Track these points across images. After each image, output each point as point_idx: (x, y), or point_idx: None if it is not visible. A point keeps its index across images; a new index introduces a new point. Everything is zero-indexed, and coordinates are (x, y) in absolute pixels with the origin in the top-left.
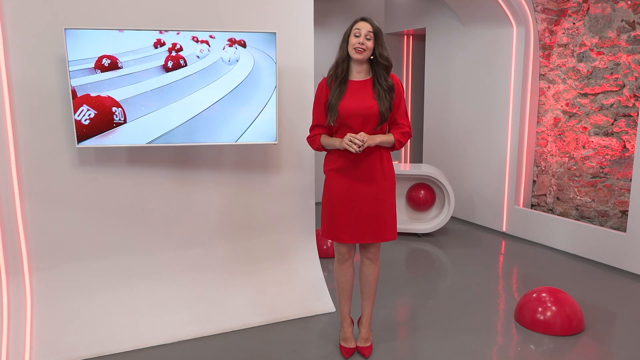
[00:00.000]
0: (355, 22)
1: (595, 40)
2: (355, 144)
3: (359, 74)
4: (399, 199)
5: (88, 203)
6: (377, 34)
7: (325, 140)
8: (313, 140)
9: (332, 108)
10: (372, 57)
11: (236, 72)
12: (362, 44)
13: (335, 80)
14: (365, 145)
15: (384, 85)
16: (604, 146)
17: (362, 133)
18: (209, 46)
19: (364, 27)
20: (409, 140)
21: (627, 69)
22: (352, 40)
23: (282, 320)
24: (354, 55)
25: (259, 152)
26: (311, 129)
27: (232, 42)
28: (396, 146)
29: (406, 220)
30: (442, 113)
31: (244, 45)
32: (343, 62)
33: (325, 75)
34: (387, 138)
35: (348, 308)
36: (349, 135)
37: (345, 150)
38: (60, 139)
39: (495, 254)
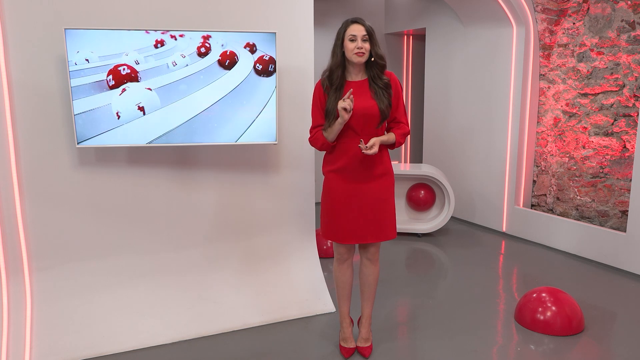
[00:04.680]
0: (347, 25)
1: (595, 40)
2: (349, 105)
3: (356, 75)
4: (399, 199)
5: (88, 203)
6: (371, 35)
7: (326, 132)
8: (316, 138)
9: (330, 114)
10: (372, 60)
11: (236, 72)
12: (361, 47)
13: (332, 86)
14: (374, 151)
15: (380, 83)
16: (604, 146)
17: (371, 141)
18: (209, 46)
19: (359, 31)
20: (407, 139)
21: (627, 69)
22: (350, 45)
23: (282, 320)
24: (355, 59)
25: (259, 152)
26: (310, 131)
27: (227, 54)
28: (395, 145)
29: (406, 220)
30: (442, 113)
31: (252, 50)
32: (337, 69)
33: (321, 79)
34: (386, 138)
35: (347, 308)
36: (340, 103)
37: (344, 150)
38: (60, 139)
39: (495, 254)
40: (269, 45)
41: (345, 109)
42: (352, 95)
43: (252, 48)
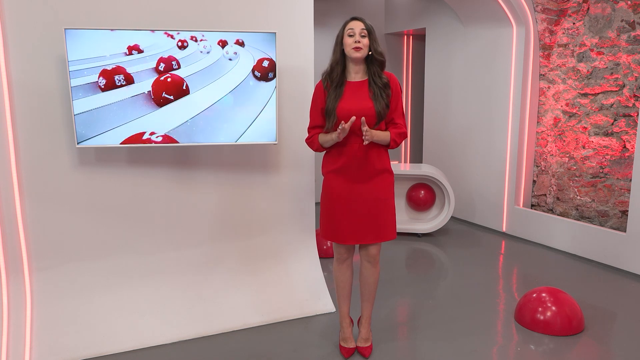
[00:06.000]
0: (347, 22)
1: (595, 40)
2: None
3: (356, 74)
4: (399, 199)
5: (88, 203)
6: (370, 31)
7: (323, 137)
8: (312, 142)
9: (330, 113)
10: (370, 53)
11: (236, 72)
12: (359, 42)
13: (332, 84)
14: (368, 138)
15: (379, 83)
16: (604, 146)
17: (368, 131)
18: (210, 46)
19: (357, 26)
20: (405, 140)
21: (627, 69)
22: (348, 40)
23: (282, 320)
24: (352, 54)
25: (259, 152)
26: (308, 131)
27: (224, 43)
28: (391, 145)
29: (406, 220)
30: (442, 113)
31: (242, 44)
32: (337, 66)
33: (321, 78)
34: (383, 136)
35: (347, 308)
36: (342, 124)
37: (343, 150)
38: (60, 139)
39: (495, 254)
40: (269, 45)
41: (343, 128)
42: (354, 118)
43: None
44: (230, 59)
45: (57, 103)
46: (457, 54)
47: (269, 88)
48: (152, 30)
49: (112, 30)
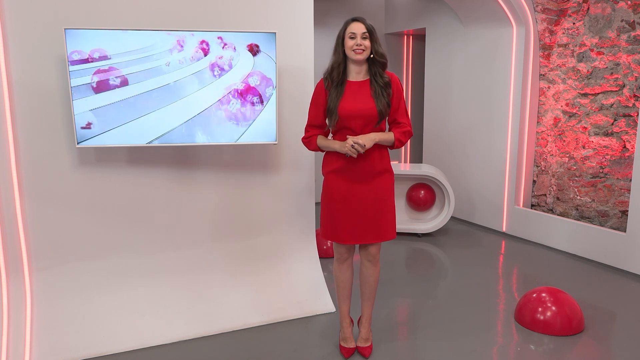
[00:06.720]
0: (347, 24)
1: (595, 40)
2: (357, 150)
3: (358, 74)
4: (399, 199)
5: (88, 203)
6: (371, 32)
7: (323, 142)
8: (309, 142)
9: (331, 112)
10: (372, 56)
11: (236, 72)
12: (360, 44)
13: (332, 84)
14: (365, 148)
15: (380, 82)
16: (604, 146)
17: (360, 137)
18: (209, 46)
19: (359, 28)
20: (408, 140)
21: (627, 69)
22: (349, 42)
23: (282, 320)
24: (354, 56)
25: (259, 152)
26: (306, 130)
27: (226, 45)
28: (396, 145)
29: (406, 220)
30: (442, 113)
31: (254, 52)
32: (339, 66)
33: (322, 77)
34: (386, 136)
35: (347, 307)
36: (350, 140)
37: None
38: (60, 139)
39: (495, 254)
40: (268, 45)
41: (350, 145)
42: (364, 144)
43: (253, 49)
44: (222, 68)
45: (57, 103)
46: (457, 54)
47: (269, 89)
48: (169, 32)
49: (123, 30)
